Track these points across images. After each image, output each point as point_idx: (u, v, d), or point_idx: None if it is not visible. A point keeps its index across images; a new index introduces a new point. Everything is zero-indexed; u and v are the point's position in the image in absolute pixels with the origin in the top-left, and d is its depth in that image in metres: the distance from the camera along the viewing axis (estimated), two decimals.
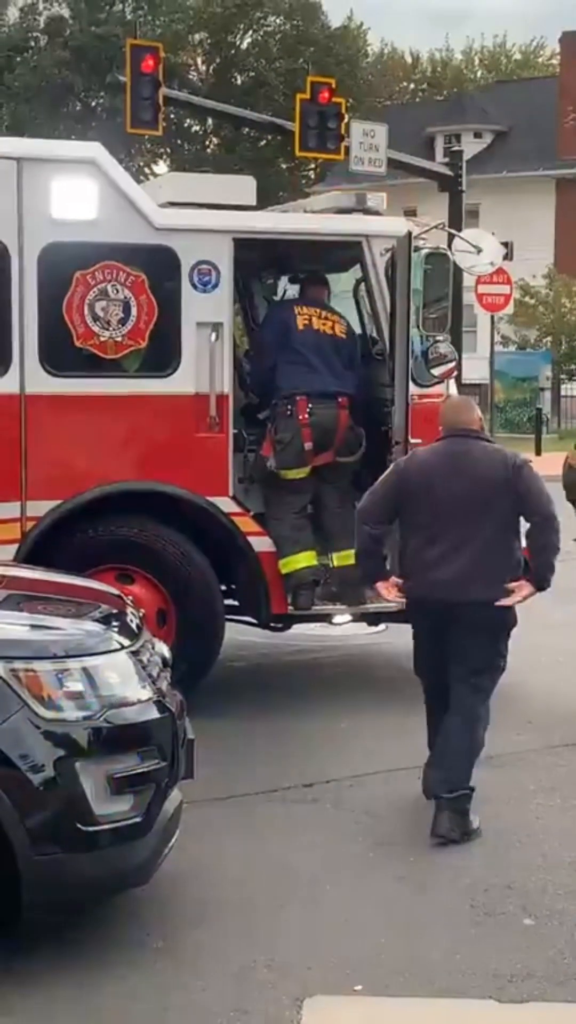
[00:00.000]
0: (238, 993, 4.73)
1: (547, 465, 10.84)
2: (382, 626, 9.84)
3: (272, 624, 8.96)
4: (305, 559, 8.47)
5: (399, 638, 9.89)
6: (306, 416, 8.39)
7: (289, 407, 8.42)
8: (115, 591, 6.17)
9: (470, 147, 39.65)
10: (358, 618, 9.12)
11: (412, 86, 62.91)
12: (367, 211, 8.85)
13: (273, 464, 8.44)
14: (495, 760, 7.48)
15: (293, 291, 9.58)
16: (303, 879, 5.76)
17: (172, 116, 42.28)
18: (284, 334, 8.61)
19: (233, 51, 52.76)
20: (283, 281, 10.15)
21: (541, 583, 6.38)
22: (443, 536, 6.33)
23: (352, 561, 8.54)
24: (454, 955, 5.05)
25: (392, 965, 4.96)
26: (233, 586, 8.75)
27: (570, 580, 9.08)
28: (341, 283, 9.51)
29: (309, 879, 5.76)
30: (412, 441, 8.36)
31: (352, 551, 8.49)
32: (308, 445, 8.42)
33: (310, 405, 8.40)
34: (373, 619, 9.33)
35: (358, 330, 9.14)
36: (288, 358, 8.54)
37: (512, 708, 8.57)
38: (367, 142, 20.54)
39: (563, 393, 36.18)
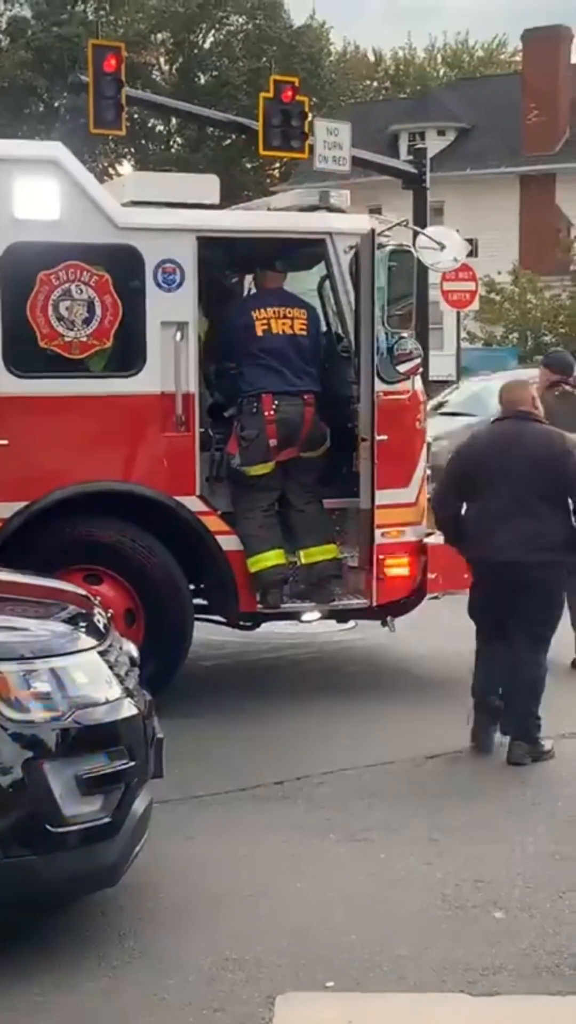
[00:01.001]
0: (210, 991, 4.73)
1: None
2: (351, 623, 9.87)
3: (241, 623, 8.96)
4: (273, 557, 8.47)
5: (368, 635, 9.95)
6: (272, 413, 8.39)
7: (255, 404, 8.42)
8: (82, 591, 6.15)
9: (434, 145, 39.79)
10: (327, 616, 9.12)
11: (375, 84, 63.00)
12: (331, 208, 8.85)
13: (238, 462, 8.44)
14: (465, 754, 7.52)
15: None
16: (274, 876, 5.76)
17: (135, 116, 42.27)
18: (244, 339, 8.60)
19: (196, 50, 52.76)
20: (248, 279, 10.15)
21: None
22: (500, 506, 7.22)
23: (320, 557, 8.58)
24: (425, 950, 5.06)
25: (363, 961, 4.96)
26: (202, 585, 8.74)
27: None
28: (306, 281, 9.51)
29: (280, 876, 5.76)
30: (378, 438, 8.39)
31: (321, 547, 8.55)
32: (273, 442, 8.42)
33: (275, 402, 8.41)
34: (342, 616, 9.36)
35: (323, 326, 9.14)
36: (250, 361, 8.53)
37: None
38: (331, 140, 20.52)
39: None
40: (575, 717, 8.24)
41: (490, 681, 7.56)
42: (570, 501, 7.28)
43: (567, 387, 9.88)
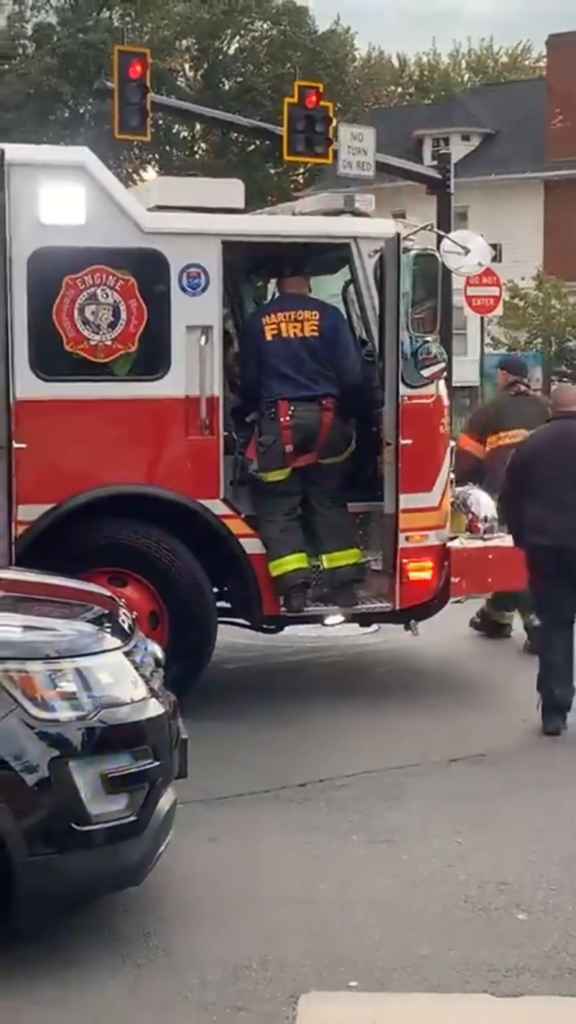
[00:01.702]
0: (234, 990, 4.75)
1: None
2: (374, 627, 9.88)
3: (264, 626, 8.99)
4: (295, 561, 8.48)
5: (391, 639, 9.97)
6: (288, 419, 8.41)
7: (272, 411, 8.45)
8: (107, 593, 6.19)
9: (458, 150, 39.71)
10: (350, 619, 9.14)
11: (400, 90, 63.02)
12: (355, 213, 8.88)
13: (255, 467, 8.47)
14: (489, 757, 7.54)
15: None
16: (297, 877, 5.78)
17: (160, 122, 42.37)
18: (256, 346, 8.63)
19: (220, 56, 52.85)
20: (272, 284, 10.19)
21: None
22: (554, 498, 7.95)
23: (342, 562, 8.59)
24: (448, 951, 5.07)
25: (386, 961, 4.98)
26: (226, 588, 8.77)
27: None
28: (330, 286, 9.53)
29: (303, 877, 5.78)
30: (402, 442, 8.40)
31: (343, 552, 8.56)
32: (288, 448, 8.43)
33: (292, 408, 8.42)
34: (365, 620, 9.37)
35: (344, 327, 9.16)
36: (264, 368, 8.55)
37: (510, 707, 8.63)
38: (355, 146, 20.54)
39: None
40: None
41: (554, 672, 8.05)
42: None
43: (522, 388, 10.63)
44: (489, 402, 16.02)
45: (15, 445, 7.82)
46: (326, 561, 8.62)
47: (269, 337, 8.54)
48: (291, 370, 8.48)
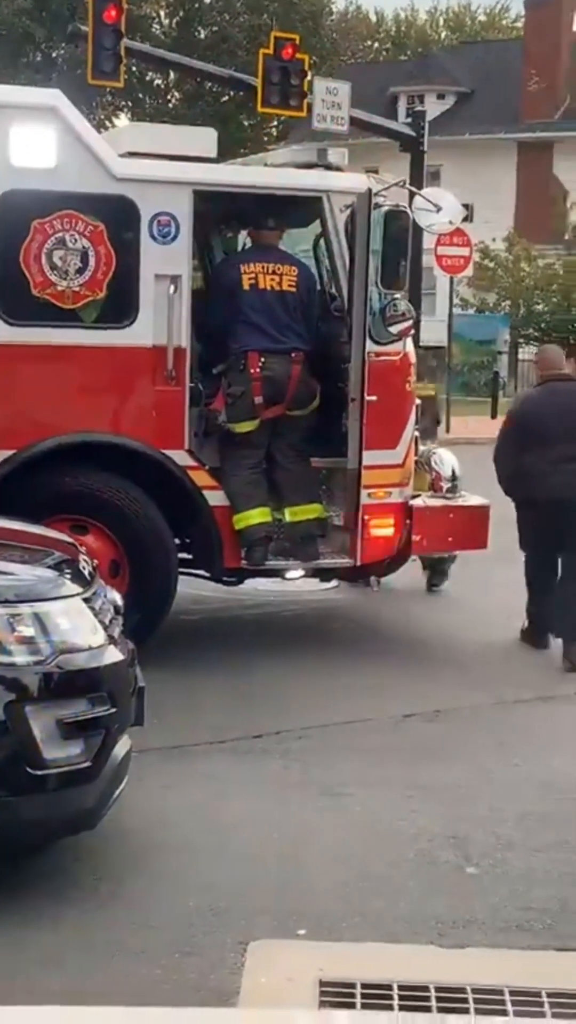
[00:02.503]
0: (183, 935, 4.79)
1: None
2: (334, 582, 9.91)
3: (225, 578, 9.00)
4: (259, 515, 8.49)
5: (351, 594, 10.00)
6: (258, 370, 8.40)
7: (241, 362, 8.43)
8: (68, 539, 6.18)
9: (433, 108, 39.59)
10: (311, 574, 9.17)
11: (376, 45, 62.59)
12: (328, 167, 8.83)
13: (224, 418, 8.45)
14: (445, 714, 7.59)
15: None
16: (250, 827, 5.81)
17: (134, 69, 41.94)
18: (231, 294, 8.59)
19: (196, 4, 52.24)
20: (242, 235, 10.14)
21: None
22: (554, 453, 8.60)
23: (304, 516, 8.61)
24: (397, 902, 5.13)
25: (336, 911, 5.03)
26: (187, 540, 8.77)
27: (511, 542, 9.26)
28: (300, 240, 9.49)
29: (256, 828, 5.81)
30: (368, 398, 8.41)
31: (306, 506, 8.58)
32: (259, 399, 8.43)
33: (262, 359, 8.41)
34: (326, 575, 9.40)
35: (317, 285, 9.14)
36: (237, 318, 8.52)
37: (465, 665, 8.71)
38: (330, 100, 20.40)
39: (520, 357, 36.30)
40: (548, 681, 8.33)
41: (544, 606, 8.92)
42: None
43: None
44: None
45: None
46: (288, 515, 8.64)
47: (246, 287, 8.51)
48: (264, 322, 8.46)
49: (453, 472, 9.53)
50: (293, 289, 8.60)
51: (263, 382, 8.41)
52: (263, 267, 8.58)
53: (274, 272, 8.59)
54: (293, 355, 8.50)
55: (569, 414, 8.75)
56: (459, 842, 5.72)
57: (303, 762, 6.71)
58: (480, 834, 5.83)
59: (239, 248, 9.83)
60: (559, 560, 8.89)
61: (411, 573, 9.37)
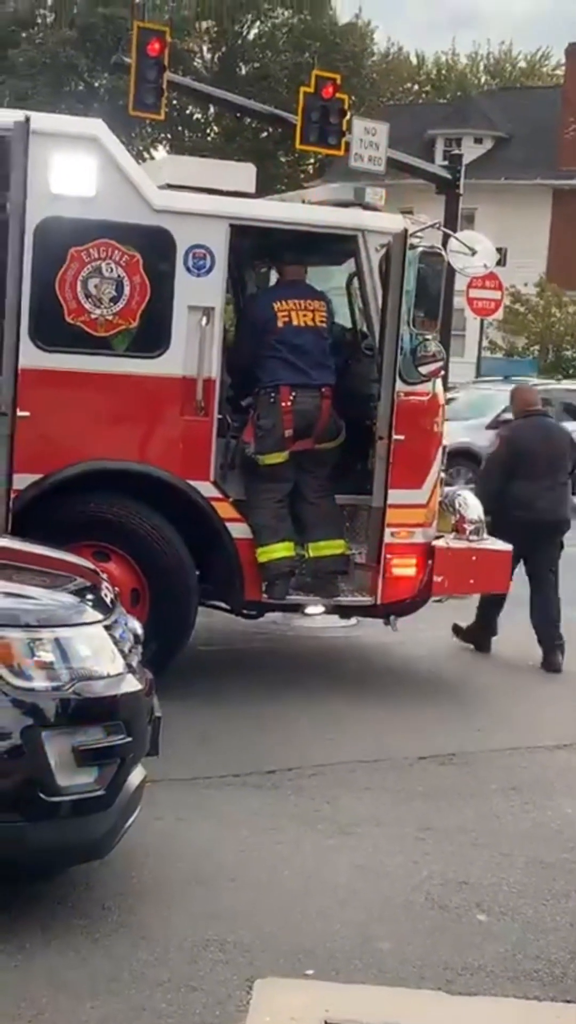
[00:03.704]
0: (190, 970, 4.76)
1: None
2: (354, 619, 9.90)
3: (244, 611, 8.99)
4: (283, 549, 8.48)
5: (370, 633, 9.98)
6: (289, 404, 8.43)
7: (272, 395, 8.46)
8: (91, 565, 6.18)
9: (470, 151, 39.78)
10: (330, 611, 9.15)
11: (416, 87, 62.94)
12: (365, 206, 8.87)
13: (252, 450, 8.47)
14: (458, 757, 7.55)
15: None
16: (261, 863, 5.79)
17: (174, 102, 42.26)
18: (263, 330, 8.63)
19: (239, 41, 52.73)
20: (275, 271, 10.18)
21: None
22: (541, 480, 9.82)
23: (327, 552, 8.60)
24: (406, 945, 5.09)
25: (344, 952, 5.00)
26: (208, 571, 8.76)
27: (520, 587, 9.26)
28: (334, 278, 9.53)
29: (267, 863, 5.79)
30: (395, 437, 8.41)
31: (329, 542, 8.57)
32: (288, 432, 8.45)
33: (293, 393, 8.44)
34: (345, 612, 9.38)
35: (348, 324, 9.17)
36: (269, 352, 8.55)
37: (479, 708, 8.67)
38: (368, 140, 20.50)
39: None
40: (567, 727, 8.28)
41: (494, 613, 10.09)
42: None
43: None
44: None
45: (19, 413, 7.80)
46: (311, 550, 8.63)
47: (280, 324, 8.55)
48: (296, 357, 8.51)
49: (478, 515, 9.51)
50: (324, 323, 8.66)
51: (294, 415, 8.43)
52: (296, 303, 8.63)
53: (306, 308, 8.64)
54: (323, 390, 8.53)
55: (551, 446, 9.99)
56: (470, 887, 5.69)
57: (316, 799, 6.69)
58: (491, 880, 5.79)
59: (271, 283, 9.87)
60: (528, 575, 9.92)
61: (431, 614, 9.33)
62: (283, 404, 8.42)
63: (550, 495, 9.82)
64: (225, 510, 8.39)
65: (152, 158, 42.74)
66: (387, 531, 8.51)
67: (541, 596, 9.94)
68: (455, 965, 4.95)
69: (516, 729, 8.21)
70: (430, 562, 8.75)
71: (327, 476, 8.69)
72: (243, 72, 51.97)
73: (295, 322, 8.57)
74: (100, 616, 5.23)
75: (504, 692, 9.09)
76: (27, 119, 7.74)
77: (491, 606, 10.03)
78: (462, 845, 6.19)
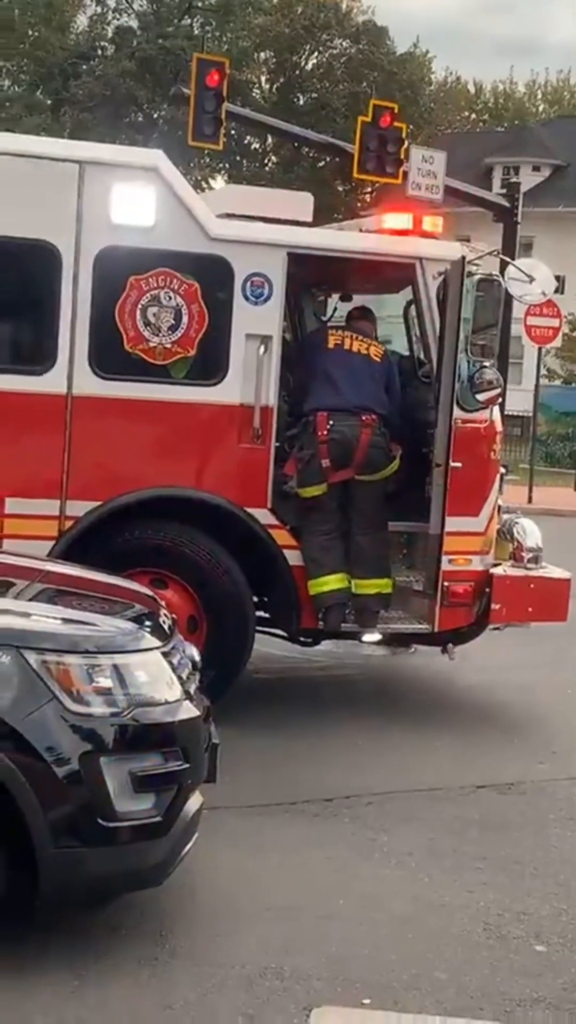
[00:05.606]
0: (246, 998, 4.75)
1: None
2: (412, 648, 9.86)
3: (302, 639, 8.98)
4: (333, 582, 8.43)
5: (426, 661, 9.94)
6: (325, 432, 8.40)
7: (311, 423, 8.46)
8: (149, 592, 6.21)
9: (528, 179, 39.74)
10: (388, 639, 9.12)
11: (473, 116, 63.05)
12: (423, 234, 8.87)
13: (293, 484, 8.46)
14: (516, 788, 7.50)
15: (344, 309, 9.61)
16: (318, 891, 5.77)
17: (232, 132, 42.54)
18: (312, 353, 8.65)
19: (297, 71, 53.09)
20: (334, 299, 10.21)
21: None
22: None
23: (368, 591, 8.52)
24: (464, 976, 5.05)
25: (401, 981, 4.97)
26: (265, 598, 8.77)
27: None
28: (390, 304, 9.54)
29: (324, 892, 5.77)
30: (452, 464, 8.39)
31: (371, 580, 8.50)
32: (325, 462, 8.41)
33: (330, 421, 8.41)
34: (402, 640, 9.35)
35: (405, 352, 9.17)
36: (314, 377, 8.58)
37: (539, 737, 8.59)
38: (425, 168, 20.53)
39: None
40: None
41: None
42: None
43: None
44: None
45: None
46: (355, 586, 8.53)
47: (331, 345, 8.58)
48: (342, 378, 8.50)
49: (535, 543, 9.46)
50: (379, 359, 8.66)
51: (330, 444, 8.41)
52: (353, 335, 8.66)
53: (363, 341, 8.69)
54: (364, 417, 8.48)
55: None
56: (528, 918, 5.64)
57: (373, 828, 6.66)
58: (549, 911, 5.74)
59: (327, 310, 9.90)
60: None
61: (490, 642, 9.28)
62: (320, 433, 8.40)
63: None
64: (282, 537, 8.39)
65: (211, 188, 43.08)
66: (444, 558, 8.48)
67: None
68: (514, 996, 4.91)
69: (572, 759, 8.13)
70: (488, 590, 8.71)
71: (374, 509, 8.57)
72: (301, 102, 52.35)
73: (345, 346, 8.59)
74: (158, 643, 5.25)
75: (564, 722, 9.02)
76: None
77: None
78: (520, 875, 6.14)
